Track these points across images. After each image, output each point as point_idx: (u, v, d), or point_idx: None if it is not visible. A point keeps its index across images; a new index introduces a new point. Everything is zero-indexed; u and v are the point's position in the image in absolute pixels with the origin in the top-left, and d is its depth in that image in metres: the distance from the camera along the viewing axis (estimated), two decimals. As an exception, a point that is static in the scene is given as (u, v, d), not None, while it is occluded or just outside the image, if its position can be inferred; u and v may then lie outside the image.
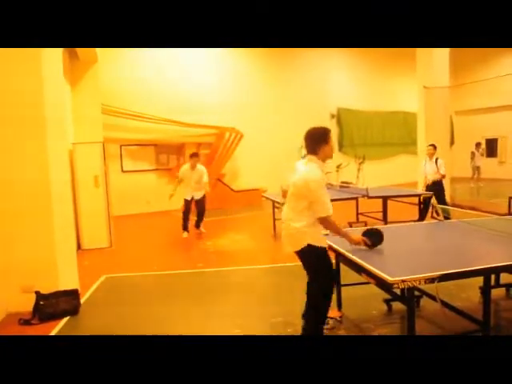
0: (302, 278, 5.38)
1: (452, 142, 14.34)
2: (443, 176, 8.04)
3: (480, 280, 3.21)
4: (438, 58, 11.10)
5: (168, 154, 12.23)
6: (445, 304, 3.44)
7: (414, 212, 7.64)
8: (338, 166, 14.25)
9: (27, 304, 4.25)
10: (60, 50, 5.06)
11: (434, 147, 8.23)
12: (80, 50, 8.26)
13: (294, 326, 3.85)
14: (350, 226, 7.75)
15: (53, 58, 4.70)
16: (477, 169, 15.60)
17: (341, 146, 15.87)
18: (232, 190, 12.38)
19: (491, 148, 17.92)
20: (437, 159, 8.12)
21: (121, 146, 11.61)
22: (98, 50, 8.76)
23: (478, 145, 15.76)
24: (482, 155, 16.03)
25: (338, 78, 15.84)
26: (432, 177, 8.05)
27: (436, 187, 7.94)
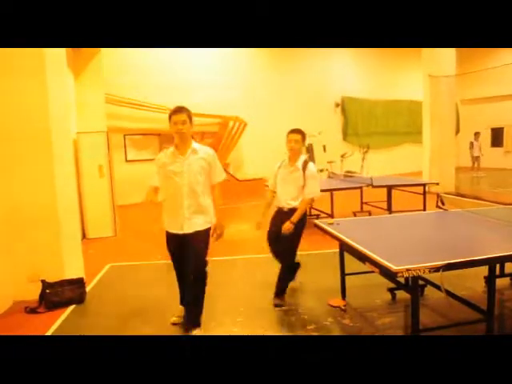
0: (305, 267, 5.38)
1: (457, 131, 14.23)
2: None
3: (485, 269, 3.20)
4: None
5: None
6: (449, 293, 3.44)
7: (419, 201, 7.61)
8: (343, 155, 14.20)
9: (33, 293, 4.30)
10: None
11: None
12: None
13: (297, 314, 3.87)
14: (355, 215, 7.75)
15: (56, 52, 4.69)
16: (476, 159, 15.43)
17: (345, 135, 15.81)
18: (236, 179, 12.37)
19: (497, 137, 17.78)
20: None
21: (124, 136, 11.60)
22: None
23: (476, 134, 15.58)
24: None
25: (342, 67, 15.71)
26: None
27: None
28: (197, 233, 3.45)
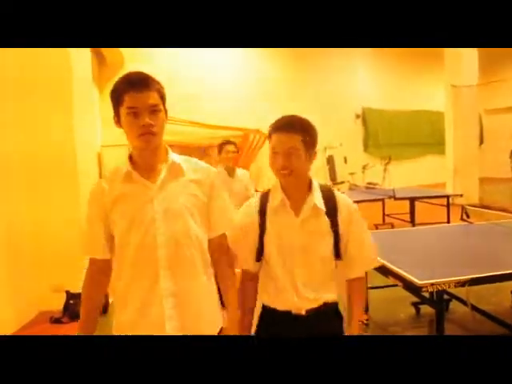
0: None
1: (481, 142, 13.95)
2: None
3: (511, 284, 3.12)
4: (466, 56, 10.86)
5: (193, 157, 12.32)
6: (475, 308, 3.36)
7: (443, 214, 7.47)
8: (364, 167, 14.10)
9: (58, 303, 4.38)
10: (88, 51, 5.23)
11: None
12: (108, 54, 8.44)
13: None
14: (377, 228, 7.65)
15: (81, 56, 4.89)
16: None
17: (366, 147, 15.70)
18: (256, 190, 12.37)
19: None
20: None
21: (147, 149, 11.76)
22: (124, 54, 8.93)
23: None
24: None
25: (362, 78, 15.67)
26: None
27: None
28: None
